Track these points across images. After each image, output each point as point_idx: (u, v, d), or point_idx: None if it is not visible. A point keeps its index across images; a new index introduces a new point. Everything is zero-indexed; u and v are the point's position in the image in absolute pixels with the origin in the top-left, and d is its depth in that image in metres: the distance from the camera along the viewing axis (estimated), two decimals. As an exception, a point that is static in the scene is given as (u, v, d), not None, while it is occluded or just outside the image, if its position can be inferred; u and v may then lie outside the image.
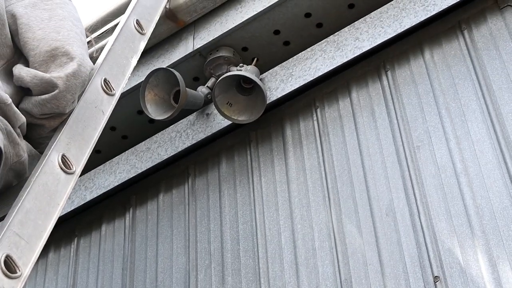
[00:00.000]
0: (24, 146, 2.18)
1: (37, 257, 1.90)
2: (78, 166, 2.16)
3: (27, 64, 2.24)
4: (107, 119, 2.37)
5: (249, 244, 2.82)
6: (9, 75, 2.23)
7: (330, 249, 2.60)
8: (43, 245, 1.92)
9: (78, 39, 2.30)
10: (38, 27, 2.25)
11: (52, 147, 2.12)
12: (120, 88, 2.50)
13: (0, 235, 1.83)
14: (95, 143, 2.27)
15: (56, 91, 2.15)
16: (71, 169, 2.12)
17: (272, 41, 3.24)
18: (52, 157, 2.09)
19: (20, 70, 2.19)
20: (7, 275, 1.79)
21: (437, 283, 2.30)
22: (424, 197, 2.49)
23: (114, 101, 2.44)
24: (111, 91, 2.43)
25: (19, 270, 1.82)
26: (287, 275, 2.65)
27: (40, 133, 2.25)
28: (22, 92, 2.22)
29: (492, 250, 2.27)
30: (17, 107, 2.15)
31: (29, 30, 2.24)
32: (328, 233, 2.64)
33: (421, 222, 2.45)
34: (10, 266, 1.81)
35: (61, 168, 2.09)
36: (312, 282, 2.58)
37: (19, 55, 2.28)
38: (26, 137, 2.23)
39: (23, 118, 2.15)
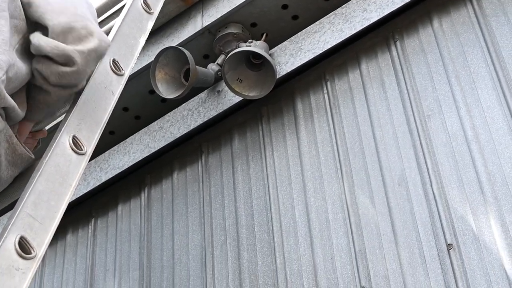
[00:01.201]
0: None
1: (51, 238, 1.92)
2: (89, 146, 2.17)
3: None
4: (117, 100, 2.38)
5: (264, 219, 2.83)
6: (27, 53, 2.20)
7: (343, 220, 2.61)
8: (56, 226, 1.94)
9: (94, 18, 2.30)
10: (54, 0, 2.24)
11: (63, 128, 2.13)
12: (129, 68, 2.50)
13: (13, 217, 1.85)
14: (105, 123, 2.28)
15: (78, 66, 2.11)
16: (82, 150, 2.13)
17: (281, 16, 3.24)
18: (63, 139, 2.10)
19: (39, 39, 2.13)
20: (22, 256, 1.81)
21: (450, 250, 2.31)
22: (436, 165, 2.49)
23: (123, 81, 2.45)
24: (120, 71, 2.44)
25: (34, 251, 1.84)
26: (301, 248, 2.67)
27: (46, 99, 2.21)
28: None
29: (504, 216, 2.27)
30: (32, 68, 2.15)
31: (46, 1, 2.21)
32: (341, 205, 2.65)
33: (433, 191, 2.45)
34: (24, 247, 1.83)
35: (72, 149, 2.10)
36: (326, 254, 2.59)
37: (33, 29, 2.24)
38: (27, 98, 2.20)
39: (9, 103, 2.06)
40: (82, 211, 3.48)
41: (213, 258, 2.89)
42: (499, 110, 2.45)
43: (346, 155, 2.73)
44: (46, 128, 2.63)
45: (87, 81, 2.29)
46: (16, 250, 1.80)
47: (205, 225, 2.99)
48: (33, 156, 2.19)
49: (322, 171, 2.77)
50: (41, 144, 2.45)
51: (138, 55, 2.62)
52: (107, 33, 2.62)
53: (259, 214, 2.86)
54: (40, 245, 1.87)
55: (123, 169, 3.35)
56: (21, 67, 2.11)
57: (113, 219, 3.38)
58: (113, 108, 2.34)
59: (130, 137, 3.42)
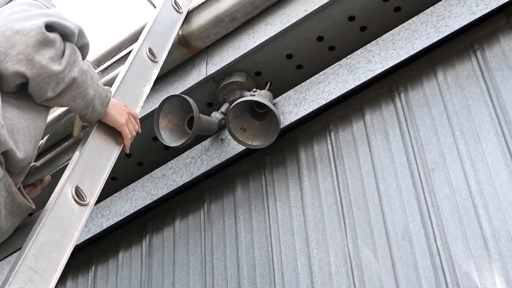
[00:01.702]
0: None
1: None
2: (92, 197, 2.17)
3: None
4: (121, 149, 2.38)
5: (266, 270, 2.81)
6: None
7: (346, 274, 2.59)
8: (57, 278, 1.93)
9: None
10: None
11: (66, 179, 2.13)
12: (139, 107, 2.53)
13: (14, 269, 1.84)
14: (108, 173, 2.28)
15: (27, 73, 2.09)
16: (85, 201, 2.13)
17: (285, 65, 3.25)
18: (66, 189, 2.10)
19: None
20: None
21: (454, 307, 2.29)
22: (440, 220, 2.47)
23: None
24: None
25: None
26: (304, 301, 2.64)
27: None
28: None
29: (509, 273, 2.25)
30: None
31: None
32: (344, 257, 2.63)
33: (437, 246, 2.43)
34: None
35: (75, 200, 2.10)
36: (329, 308, 2.57)
37: None
38: None
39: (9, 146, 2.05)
40: (82, 258, 3.46)
41: (214, 309, 2.87)
42: (503, 165, 2.44)
43: (350, 207, 2.72)
44: (49, 174, 2.63)
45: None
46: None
47: (206, 275, 2.97)
48: (33, 206, 2.19)
49: (325, 222, 2.75)
50: (44, 192, 2.45)
51: (143, 103, 2.63)
52: (112, 81, 2.64)
53: (261, 265, 2.84)
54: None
55: (125, 216, 3.33)
56: None
57: (113, 267, 3.35)
58: (116, 158, 2.34)
59: (133, 183, 3.41)
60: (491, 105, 2.58)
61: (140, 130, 2.53)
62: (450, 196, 2.50)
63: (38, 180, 2.53)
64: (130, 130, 2.43)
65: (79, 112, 2.26)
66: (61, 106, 2.29)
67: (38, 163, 2.61)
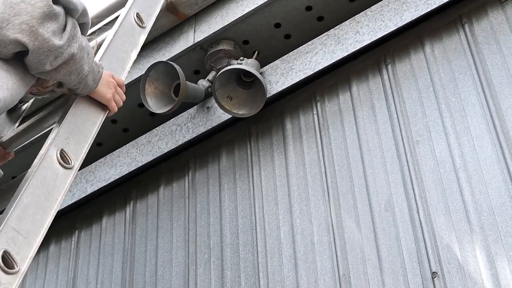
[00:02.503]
0: None
1: (35, 253, 1.90)
2: (77, 161, 2.16)
3: None
4: (107, 115, 2.37)
5: (248, 238, 2.82)
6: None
7: (329, 244, 2.60)
8: (41, 241, 1.92)
9: None
10: None
11: (50, 141, 2.11)
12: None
13: (-3, 231, 1.84)
14: (94, 137, 2.27)
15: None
16: (69, 164, 2.12)
17: (273, 35, 3.24)
18: (51, 152, 2.09)
19: None
20: (5, 270, 1.79)
21: (435, 279, 2.30)
22: (423, 192, 2.48)
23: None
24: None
25: (17, 266, 1.82)
26: (285, 269, 2.65)
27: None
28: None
29: (490, 246, 2.27)
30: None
31: None
32: (327, 227, 2.64)
33: (419, 218, 2.44)
34: (8, 262, 1.81)
35: (60, 163, 2.09)
36: (310, 277, 2.58)
37: None
38: None
39: None
40: (66, 223, 3.46)
41: (196, 276, 2.88)
42: (488, 138, 2.45)
43: (334, 178, 2.73)
44: (33, 138, 2.62)
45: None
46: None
47: (189, 242, 2.98)
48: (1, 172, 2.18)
49: (309, 192, 2.76)
50: (29, 155, 2.43)
51: (129, 69, 2.61)
52: (100, 45, 2.62)
53: (244, 233, 2.84)
54: (24, 259, 1.86)
55: (109, 181, 3.33)
56: None
57: (97, 232, 3.36)
58: (102, 122, 2.33)
59: (117, 150, 3.40)
60: (478, 79, 2.58)
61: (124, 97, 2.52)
62: (434, 168, 2.51)
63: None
64: (117, 101, 2.41)
65: (71, 87, 2.24)
66: (55, 80, 2.25)
67: (22, 127, 2.60)
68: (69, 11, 2.13)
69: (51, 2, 2.03)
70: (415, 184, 2.52)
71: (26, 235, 1.89)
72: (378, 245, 2.49)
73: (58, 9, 2.06)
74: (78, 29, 2.17)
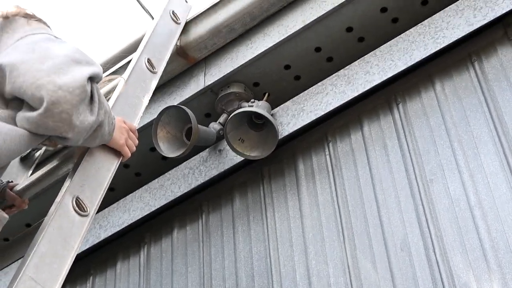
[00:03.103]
0: None
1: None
2: (92, 208, 2.17)
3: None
4: (120, 160, 2.38)
5: (264, 281, 2.81)
6: None
7: (345, 285, 2.59)
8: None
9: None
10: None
11: (66, 189, 2.13)
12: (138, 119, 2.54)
13: (16, 280, 1.84)
14: (108, 184, 2.28)
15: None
16: (85, 211, 2.13)
17: (283, 76, 3.26)
18: (66, 200, 2.10)
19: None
20: None
21: (454, 318, 2.29)
22: (439, 231, 2.48)
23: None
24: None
25: None
26: (303, 311, 2.64)
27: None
28: None
29: (508, 283, 2.25)
30: None
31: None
32: (343, 268, 2.63)
33: (436, 257, 2.43)
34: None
35: (76, 211, 2.10)
36: (328, 319, 2.57)
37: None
38: None
39: None
40: (80, 269, 3.45)
41: (212, 320, 2.87)
42: (502, 175, 2.45)
43: (348, 218, 2.72)
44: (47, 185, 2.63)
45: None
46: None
47: (204, 285, 2.97)
48: (6, 216, 2.18)
49: (324, 233, 2.75)
50: (45, 203, 2.44)
51: (142, 114, 2.63)
52: (111, 92, 2.64)
53: (260, 276, 2.83)
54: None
55: (123, 226, 3.33)
56: None
57: (111, 277, 3.35)
58: (116, 168, 2.34)
59: (130, 194, 3.41)
60: (489, 116, 2.59)
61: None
62: (448, 207, 2.50)
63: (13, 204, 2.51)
64: (130, 147, 2.42)
65: (88, 145, 2.25)
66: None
67: (36, 174, 2.61)
68: (93, 79, 2.12)
69: (87, 85, 2.03)
70: (430, 223, 2.51)
71: (44, 285, 1.90)
72: (395, 286, 2.47)
73: (90, 87, 2.06)
74: (101, 93, 2.17)
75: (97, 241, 3.38)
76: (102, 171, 2.29)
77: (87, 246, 3.39)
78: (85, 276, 3.45)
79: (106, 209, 3.44)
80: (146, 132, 3.30)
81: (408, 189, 2.64)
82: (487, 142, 2.55)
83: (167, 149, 3.08)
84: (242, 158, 3.06)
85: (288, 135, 3.03)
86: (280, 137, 3.00)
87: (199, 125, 3.04)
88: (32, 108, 1.99)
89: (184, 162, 3.28)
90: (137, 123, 2.54)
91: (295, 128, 3.01)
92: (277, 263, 2.81)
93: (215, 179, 3.17)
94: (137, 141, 2.48)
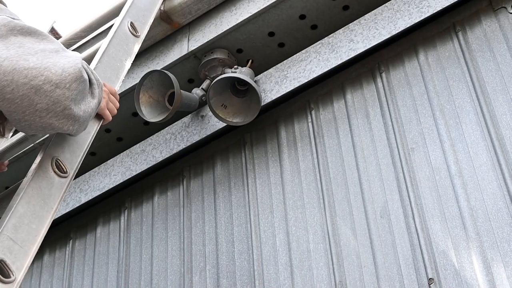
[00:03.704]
0: None
1: (31, 262, 1.90)
2: (72, 169, 2.15)
3: None
4: (101, 123, 2.36)
5: (244, 246, 2.82)
6: None
7: (324, 251, 2.60)
8: (37, 249, 1.92)
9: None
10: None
11: (45, 151, 2.11)
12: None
13: (-7, 240, 1.83)
14: (89, 146, 2.26)
15: None
16: (65, 173, 2.11)
17: (267, 43, 3.24)
18: (46, 161, 2.08)
19: None
20: (1, 280, 1.79)
21: (431, 285, 2.31)
22: (419, 199, 2.49)
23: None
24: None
25: (13, 275, 1.81)
26: (281, 277, 2.65)
27: None
28: None
29: (486, 252, 2.27)
30: None
31: None
32: (322, 235, 2.64)
33: (415, 224, 2.45)
34: (3, 271, 1.80)
35: (55, 172, 2.08)
36: (306, 284, 2.58)
37: None
38: None
39: None
40: (60, 232, 3.45)
41: (191, 284, 2.87)
42: (483, 145, 2.46)
43: (329, 185, 2.73)
44: (27, 148, 2.62)
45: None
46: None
47: (184, 250, 2.97)
48: None
49: (305, 200, 2.76)
50: (24, 164, 2.43)
51: (123, 78, 2.61)
52: (93, 55, 2.62)
53: (240, 241, 2.84)
54: (20, 268, 1.85)
55: (103, 191, 3.32)
56: None
57: (91, 242, 3.35)
58: (97, 131, 2.33)
59: (112, 159, 3.39)
60: (472, 86, 2.59)
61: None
62: (429, 175, 2.51)
63: None
64: (111, 110, 2.37)
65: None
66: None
67: (15, 137, 2.59)
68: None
69: (83, 74, 1.97)
70: (411, 191, 2.52)
71: (22, 244, 1.88)
72: (374, 252, 2.49)
73: (85, 77, 1.99)
74: (92, 69, 2.11)
75: (77, 205, 3.37)
76: (83, 133, 2.27)
77: (67, 210, 3.39)
78: (65, 240, 3.45)
79: (87, 173, 3.43)
80: (128, 97, 3.29)
81: (389, 157, 2.64)
82: (469, 112, 2.55)
83: (149, 114, 3.07)
84: (224, 124, 3.05)
85: (271, 102, 3.02)
86: (262, 103, 2.99)
87: (181, 91, 3.03)
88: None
89: (166, 128, 3.27)
90: (118, 87, 2.52)
91: (278, 95, 3.00)
92: (257, 228, 2.82)
93: (196, 145, 3.16)
94: (118, 104, 2.44)
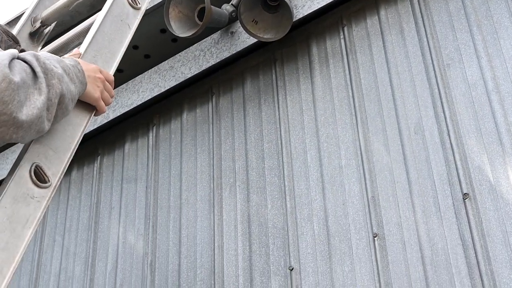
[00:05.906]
0: None
1: (66, 169, 1.88)
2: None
3: None
4: (133, 34, 2.32)
5: (274, 162, 2.80)
6: None
7: (357, 167, 2.58)
8: (71, 157, 1.90)
9: None
10: None
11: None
12: (145, 2, 2.44)
13: (28, 145, 1.82)
14: (122, 55, 2.23)
15: None
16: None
17: (299, -42, 3.17)
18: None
19: None
20: (37, 184, 1.77)
21: (466, 200, 2.28)
22: (454, 115, 2.45)
23: (140, 15, 2.37)
24: (137, 5, 2.37)
25: (49, 180, 1.80)
26: (313, 192, 2.64)
27: None
28: None
29: (522, 168, 2.24)
30: None
31: None
32: (355, 151, 2.62)
33: (450, 140, 2.41)
34: (40, 176, 1.79)
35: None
36: (338, 200, 2.56)
37: None
38: None
39: None
40: (88, 148, 3.45)
41: (221, 200, 2.87)
42: (521, 61, 2.41)
43: (362, 102, 2.69)
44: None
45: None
46: (31, 178, 1.77)
47: (214, 166, 2.97)
48: None
49: (336, 116, 2.73)
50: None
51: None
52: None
53: (270, 157, 2.82)
54: (55, 174, 1.83)
55: (132, 107, 3.31)
56: None
57: (119, 158, 3.35)
58: (129, 41, 2.29)
59: (140, 75, 3.37)
60: (510, 1, 2.53)
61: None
62: (465, 91, 2.47)
63: None
64: (106, 100, 2.09)
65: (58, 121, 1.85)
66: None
67: (46, 48, 2.56)
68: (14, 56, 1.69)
69: (12, 76, 1.59)
70: (446, 107, 2.48)
71: (57, 151, 1.87)
72: (407, 168, 2.46)
73: (17, 76, 1.62)
74: (42, 58, 1.76)
75: (105, 121, 3.36)
76: (115, 42, 2.23)
77: (96, 126, 3.38)
78: (92, 156, 3.45)
79: (115, 89, 3.40)
80: (156, 12, 3.25)
81: (424, 73, 2.60)
82: (507, 28, 2.49)
83: (178, 29, 3.03)
84: (255, 41, 3.00)
85: (303, 17, 2.96)
86: (294, 19, 2.94)
87: (212, 6, 2.98)
88: None
89: (195, 44, 3.23)
90: (114, 70, 2.21)
91: (310, 11, 2.95)
92: (288, 145, 2.80)
93: (226, 62, 3.12)
94: (113, 93, 2.15)
